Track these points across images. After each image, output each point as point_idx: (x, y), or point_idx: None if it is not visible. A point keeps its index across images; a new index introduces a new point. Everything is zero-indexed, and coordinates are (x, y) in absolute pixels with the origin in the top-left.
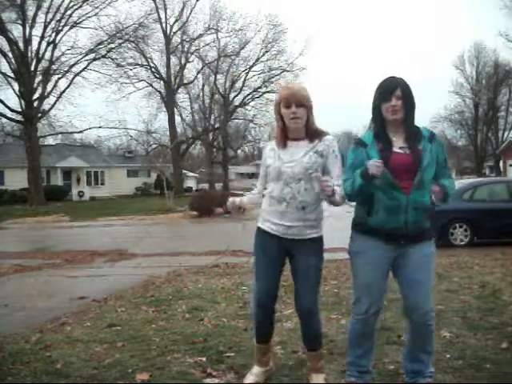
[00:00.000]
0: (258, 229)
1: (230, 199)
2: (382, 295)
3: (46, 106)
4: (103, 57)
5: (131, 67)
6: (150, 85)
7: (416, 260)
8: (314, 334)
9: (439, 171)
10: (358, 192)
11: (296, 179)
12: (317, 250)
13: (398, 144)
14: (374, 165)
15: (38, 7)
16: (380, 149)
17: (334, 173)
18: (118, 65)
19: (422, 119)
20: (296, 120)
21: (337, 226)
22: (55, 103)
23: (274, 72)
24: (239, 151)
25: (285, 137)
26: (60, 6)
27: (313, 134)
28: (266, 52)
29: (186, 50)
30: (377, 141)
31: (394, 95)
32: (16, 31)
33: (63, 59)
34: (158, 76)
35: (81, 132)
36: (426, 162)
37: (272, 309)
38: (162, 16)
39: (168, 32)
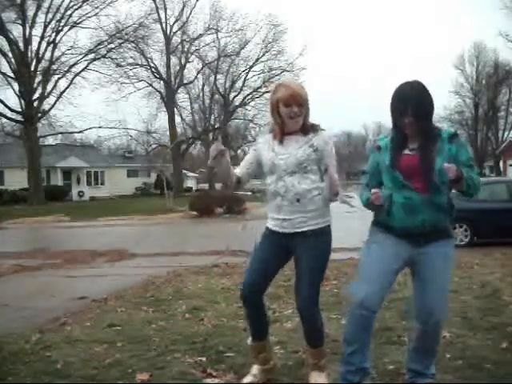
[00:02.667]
0: (266, 228)
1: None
2: (381, 290)
3: (45, 106)
4: (103, 57)
5: (131, 67)
6: (150, 85)
7: (432, 261)
8: (314, 331)
9: (463, 170)
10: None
11: (289, 172)
12: (318, 245)
13: (413, 145)
14: (373, 198)
15: (38, 7)
16: (391, 151)
17: (331, 167)
18: (118, 65)
19: None
20: (297, 119)
21: (336, 226)
22: (55, 103)
23: (274, 72)
24: (239, 151)
25: (282, 133)
26: (60, 6)
27: (308, 128)
28: (266, 52)
29: (186, 50)
30: (391, 144)
31: (406, 114)
32: (16, 31)
33: (63, 59)
34: (158, 76)
35: (81, 132)
36: (440, 163)
37: (257, 303)
38: (162, 16)
39: (168, 32)
